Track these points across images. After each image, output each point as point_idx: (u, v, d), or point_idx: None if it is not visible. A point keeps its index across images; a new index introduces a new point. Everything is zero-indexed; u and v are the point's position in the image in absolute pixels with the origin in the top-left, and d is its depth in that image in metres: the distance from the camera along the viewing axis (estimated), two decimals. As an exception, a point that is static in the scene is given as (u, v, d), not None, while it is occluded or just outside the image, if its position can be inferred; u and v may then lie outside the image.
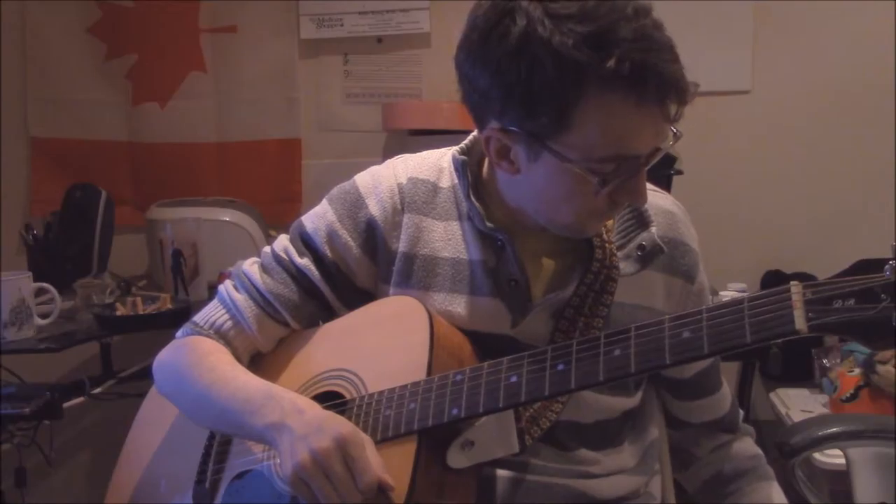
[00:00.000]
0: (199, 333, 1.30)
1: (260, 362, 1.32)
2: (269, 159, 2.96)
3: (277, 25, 2.91)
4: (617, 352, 1.03)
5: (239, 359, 1.29)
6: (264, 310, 1.29)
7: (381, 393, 1.16)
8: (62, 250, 2.59)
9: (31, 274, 2.24)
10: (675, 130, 1.10)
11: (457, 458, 1.12)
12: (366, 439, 1.09)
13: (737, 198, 2.79)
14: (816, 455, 1.94)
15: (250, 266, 1.33)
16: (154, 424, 1.37)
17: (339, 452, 1.06)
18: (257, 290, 1.29)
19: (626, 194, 1.12)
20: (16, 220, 2.91)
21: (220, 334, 1.30)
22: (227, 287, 1.33)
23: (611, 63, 1.02)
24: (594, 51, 1.03)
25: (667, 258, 1.25)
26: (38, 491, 2.78)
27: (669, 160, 2.52)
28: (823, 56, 2.74)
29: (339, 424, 1.09)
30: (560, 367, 1.06)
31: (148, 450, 1.36)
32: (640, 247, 1.22)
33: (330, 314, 1.31)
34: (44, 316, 2.24)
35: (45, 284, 2.28)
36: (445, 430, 1.12)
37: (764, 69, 2.76)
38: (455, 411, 1.10)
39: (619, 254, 1.22)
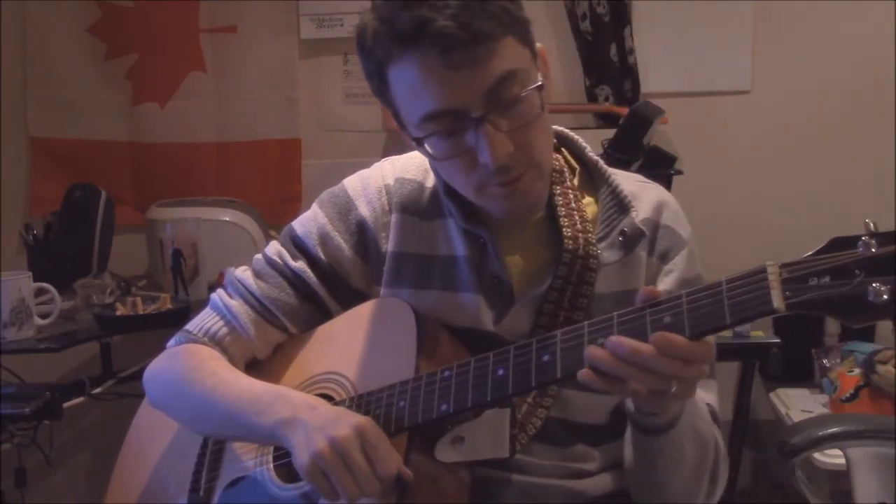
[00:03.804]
0: (194, 341, 1.30)
1: (251, 368, 1.31)
2: (269, 159, 2.95)
3: (277, 25, 2.91)
4: (601, 340, 1.03)
5: (235, 365, 1.28)
6: (261, 315, 1.29)
7: (370, 393, 1.16)
8: (62, 250, 2.59)
9: (31, 274, 2.24)
10: (540, 82, 1.10)
11: (446, 453, 1.12)
12: (381, 431, 1.09)
13: (737, 198, 2.79)
14: (816, 455, 1.94)
15: (243, 272, 1.32)
16: (147, 434, 1.37)
17: (359, 440, 1.06)
18: (253, 295, 1.29)
19: (478, 152, 1.10)
20: (16, 220, 2.91)
21: (215, 341, 1.29)
22: (220, 294, 1.32)
23: (389, 29, 1.07)
24: (382, 24, 1.08)
25: (648, 241, 1.24)
26: (38, 491, 2.78)
27: (669, 160, 2.52)
28: (823, 56, 2.73)
29: (355, 416, 1.10)
30: (545, 357, 1.06)
31: (142, 459, 1.36)
32: (622, 233, 1.22)
33: (326, 317, 1.30)
34: (44, 316, 2.24)
35: (45, 284, 2.28)
36: (438, 427, 1.13)
37: (764, 69, 2.76)
38: (444, 407, 1.10)
39: (603, 243, 1.21)
